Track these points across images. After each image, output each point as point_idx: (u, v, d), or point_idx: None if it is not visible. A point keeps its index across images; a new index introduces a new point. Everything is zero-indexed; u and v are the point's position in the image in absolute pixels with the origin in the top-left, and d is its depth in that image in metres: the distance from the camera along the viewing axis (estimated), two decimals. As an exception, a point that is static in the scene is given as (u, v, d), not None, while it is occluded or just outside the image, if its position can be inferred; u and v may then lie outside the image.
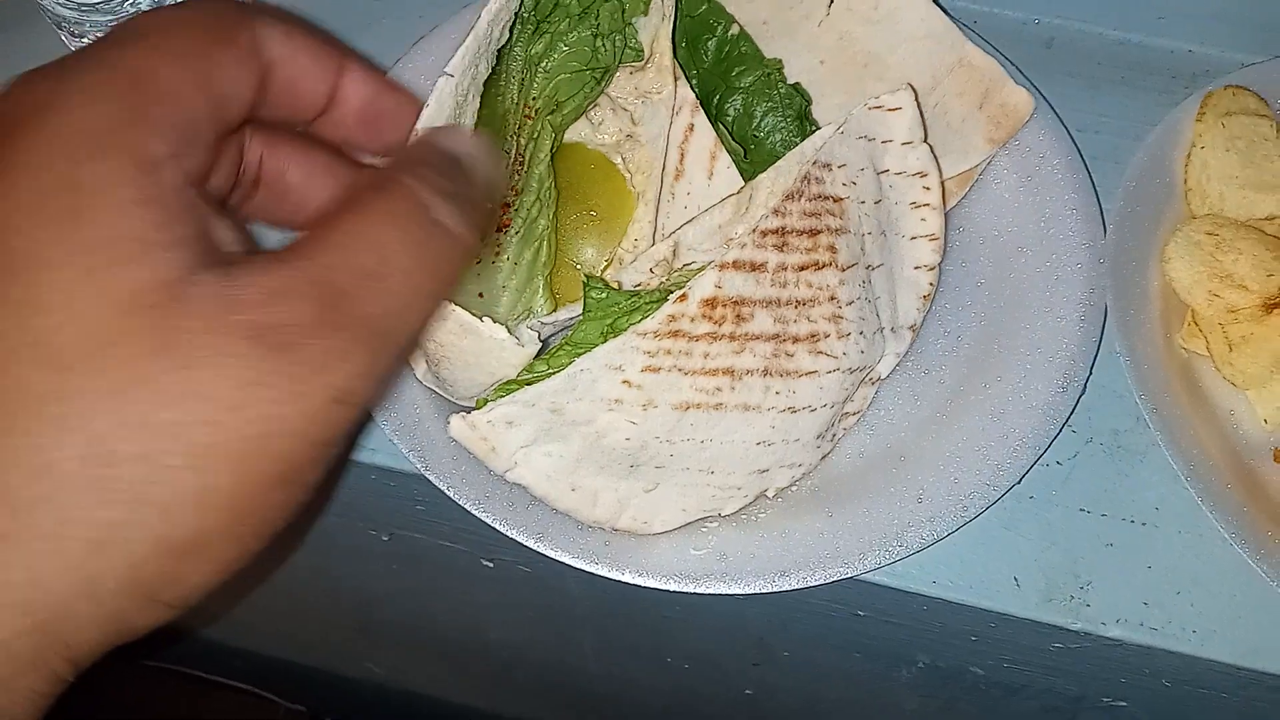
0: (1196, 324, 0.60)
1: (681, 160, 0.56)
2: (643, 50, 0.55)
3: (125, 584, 0.33)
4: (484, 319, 0.46)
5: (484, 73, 0.51)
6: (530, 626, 0.87)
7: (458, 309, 0.47)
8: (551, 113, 0.56)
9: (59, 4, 0.65)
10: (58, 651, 0.33)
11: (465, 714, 1.20)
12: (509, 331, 0.47)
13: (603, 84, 0.56)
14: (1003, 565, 0.56)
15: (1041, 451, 0.55)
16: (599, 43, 0.54)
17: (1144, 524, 0.57)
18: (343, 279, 0.36)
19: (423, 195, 0.39)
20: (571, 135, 0.58)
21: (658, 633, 0.77)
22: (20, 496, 0.31)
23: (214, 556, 0.35)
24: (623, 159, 0.57)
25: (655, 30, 0.55)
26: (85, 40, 0.68)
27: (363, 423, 0.52)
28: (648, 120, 0.57)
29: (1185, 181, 0.64)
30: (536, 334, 0.49)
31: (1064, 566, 0.56)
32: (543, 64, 0.54)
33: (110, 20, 0.67)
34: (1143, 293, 0.60)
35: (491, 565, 0.69)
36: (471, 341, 0.47)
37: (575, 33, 0.54)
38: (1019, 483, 0.54)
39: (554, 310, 0.54)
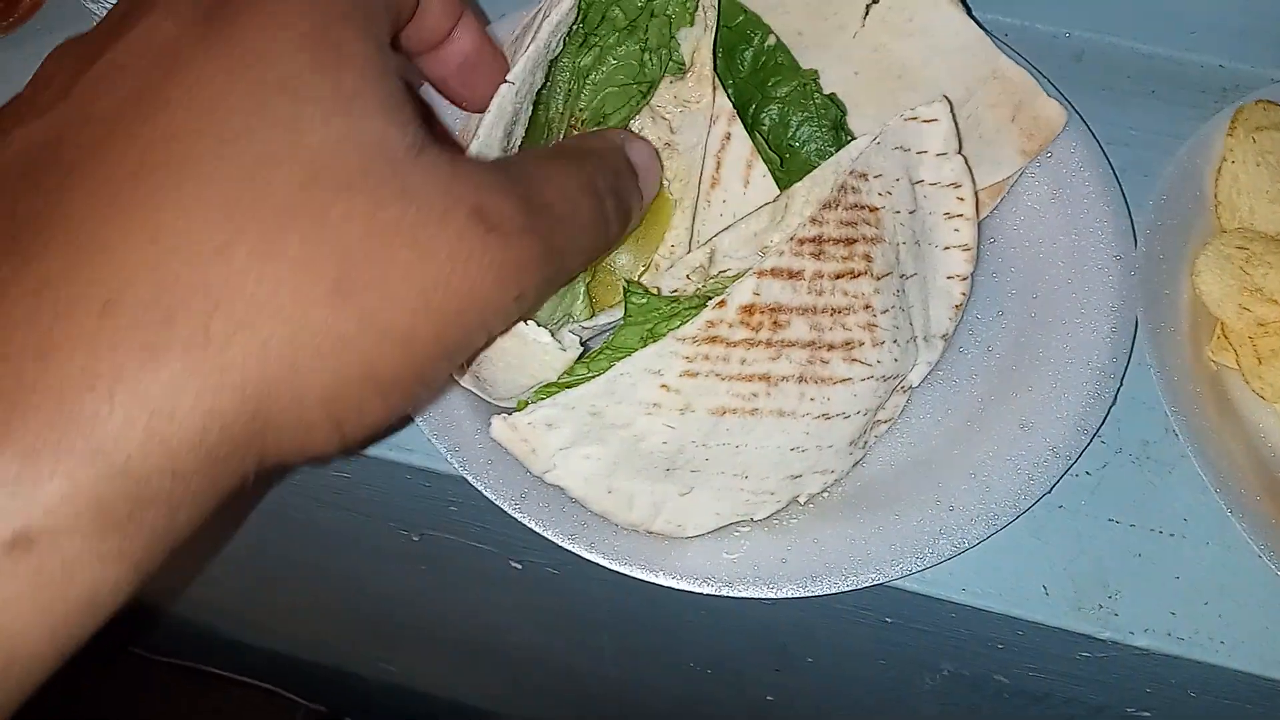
0: (1226, 337, 0.60)
1: (718, 169, 0.56)
2: (684, 63, 0.56)
3: (328, 398, 0.34)
4: (527, 322, 0.47)
5: (539, 82, 0.52)
6: (551, 629, 0.88)
7: None
8: (597, 124, 0.56)
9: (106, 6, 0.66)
10: (257, 447, 0.34)
11: (483, 715, 1.20)
12: (551, 335, 0.48)
13: (648, 97, 0.57)
14: (1032, 574, 0.56)
15: (1072, 462, 0.55)
16: (646, 57, 0.55)
17: (1172, 535, 0.57)
18: (542, 200, 0.40)
19: (597, 177, 0.44)
20: None
21: (681, 637, 0.78)
22: (267, 294, 0.33)
23: (390, 402, 0.37)
24: (661, 167, 0.58)
25: (697, 41, 0.56)
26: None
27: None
28: (685, 129, 0.58)
29: (1215, 195, 0.64)
30: (578, 339, 0.50)
31: (1093, 576, 0.56)
32: (591, 76, 0.55)
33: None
34: (1173, 305, 0.61)
35: (520, 567, 0.70)
36: (514, 343, 0.47)
37: (623, 46, 0.55)
38: (1049, 492, 0.55)
39: (592, 315, 0.54)
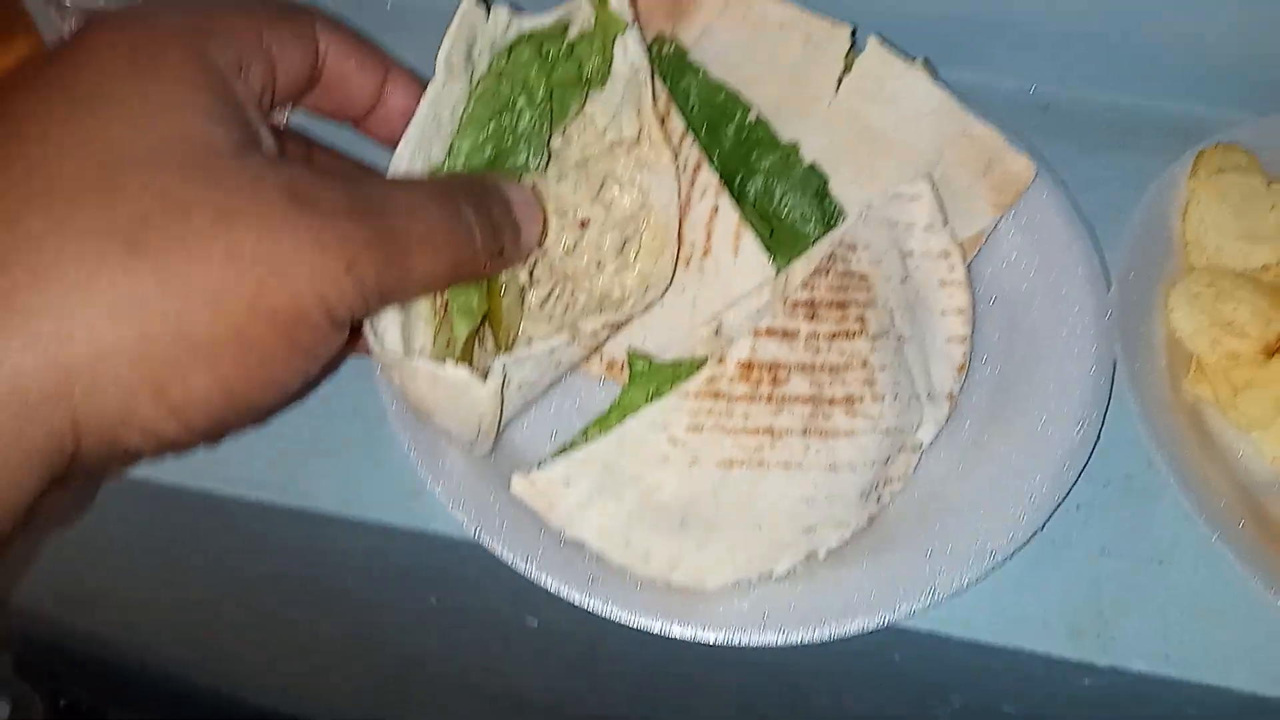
0: (1201, 370, 0.63)
1: (708, 239, 0.60)
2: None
3: (137, 357, 0.36)
4: (445, 362, 0.49)
5: (438, 155, 0.54)
6: (568, 678, 0.89)
7: (421, 360, 0.49)
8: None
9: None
10: (66, 407, 0.36)
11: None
12: (470, 372, 0.49)
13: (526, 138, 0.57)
14: (1031, 607, 0.59)
15: (1061, 498, 0.58)
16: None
17: (1162, 562, 0.60)
18: (376, 195, 0.43)
19: (459, 193, 0.47)
20: (587, 214, 0.60)
21: (696, 680, 0.80)
22: (59, 255, 0.36)
23: (220, 371, 0.38)
24: (642, 225, 0.60)
25: (637, 105, 0.59)
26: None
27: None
28: (655, 189, 0.60)
29: (1184, 235, 0.67)
30: (502, 366, 0.50)
31: (1088, 606, 0.59)
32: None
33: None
34: (1149, 342, 0.64)
35: (536, 622, 0.72)
36: (441, 388, 0.49)
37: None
38: (1042, 529, 0.57)
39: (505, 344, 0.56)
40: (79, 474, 0.38)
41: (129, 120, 0.39)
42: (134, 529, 0.77)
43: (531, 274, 0.58)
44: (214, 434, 0.41)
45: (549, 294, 0.58)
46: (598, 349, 0.60)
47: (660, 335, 0.60)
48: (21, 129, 0.38)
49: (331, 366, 0.52)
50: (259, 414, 0.42)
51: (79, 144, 0.38)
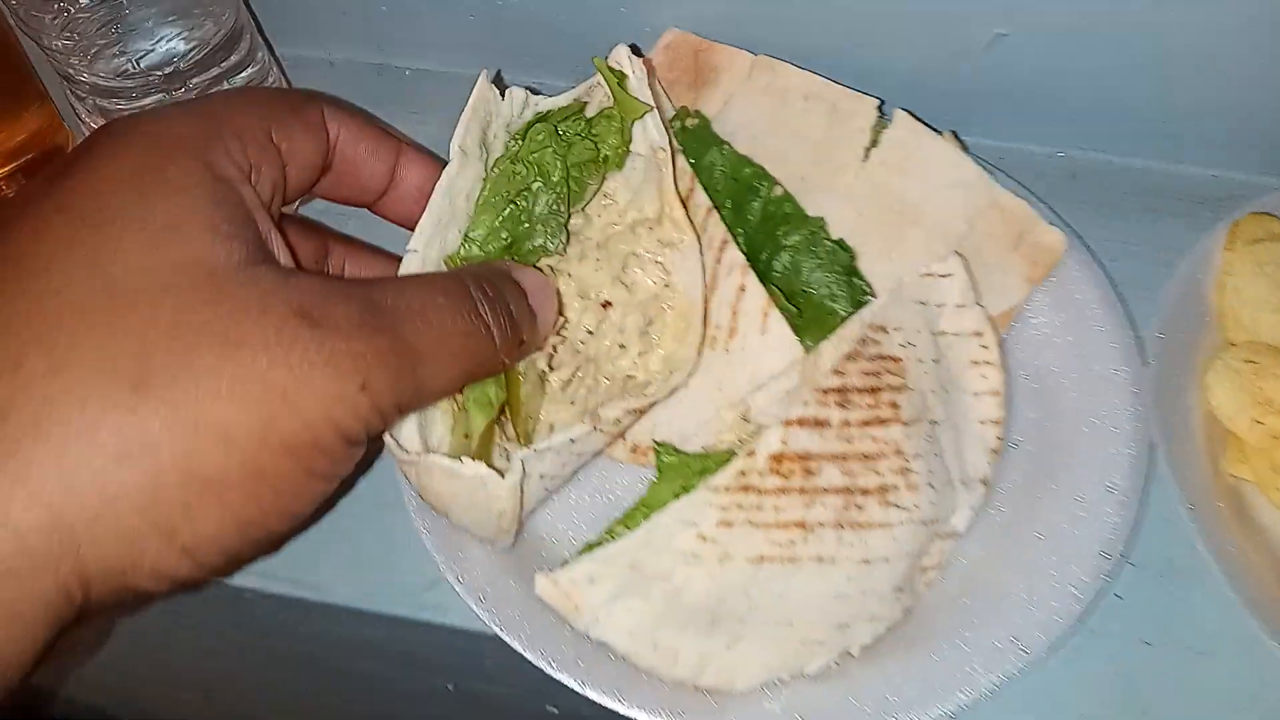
0: (1241, 450, 0.61)
1: (734, 319, 0.58)
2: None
3: (145, 503, 0.35)
4: (463, 459, 0.48)
5: (453, 244, 0.53)
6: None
7: (437, 456, 0.47)
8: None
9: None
10: (72, 562, 0.34)
11: None
12: (489, 466, 0.48)
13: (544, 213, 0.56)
14: (1070, 701, 0.56)
15: (1099, 587, 0.56)
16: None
17: (1204, 652, 0.58)
18: (388, 303, 0.41)
19: (474, 290, 0.45)
20: (609, 295, 0.59)
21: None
22: (62, 399, 0.34)
23: (232, 507, 0.37)
24: (666, 306, 0.59)
25: (658, 185, 0.58)
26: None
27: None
28: (679, 270, 0.59)
29: (1219, 308, 0.66)
30: (520, 461, 0.49)
31: (1130, 699, 0.56)
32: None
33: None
34: (1186, 421, 0.62)
35: (556, 711, 0.70)
36: (459, 484, 0.48)
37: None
38: (1080, 620, 0.55)
39: (526, 437, 0.54)
40: (92, 616, 0.37)
41: (133, 245, 0.37)
42: (146, 613, 0.76)
43: (552, 358, 0.56)
44: (228, 568, 0.39)
45: (571, 377, 0.57)
46: (621, 434, 0.58)
47: (686, 419, 0.59)
48: (27, 257, 0.38)
49: (349, 484, 0.51)
50: (276, 543, 0.40)
51: (82, 274, 0.37)
